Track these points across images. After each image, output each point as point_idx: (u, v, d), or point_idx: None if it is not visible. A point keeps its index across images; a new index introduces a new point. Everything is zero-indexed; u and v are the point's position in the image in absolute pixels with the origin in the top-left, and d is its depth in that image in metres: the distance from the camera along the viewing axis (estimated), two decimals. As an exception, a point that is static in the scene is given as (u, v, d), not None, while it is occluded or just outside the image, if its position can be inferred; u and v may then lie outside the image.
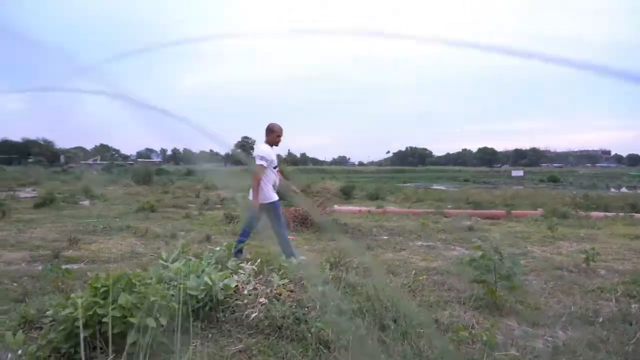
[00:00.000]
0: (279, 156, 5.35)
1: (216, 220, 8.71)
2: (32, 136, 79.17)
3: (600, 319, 3.30)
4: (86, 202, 12.33)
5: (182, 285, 2.91)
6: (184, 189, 21.38)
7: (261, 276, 3.66)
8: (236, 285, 3.38)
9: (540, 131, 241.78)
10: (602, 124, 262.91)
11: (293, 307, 3.06)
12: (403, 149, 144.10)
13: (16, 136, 79.86)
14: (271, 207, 4.84)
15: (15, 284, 4.07)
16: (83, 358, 1.74)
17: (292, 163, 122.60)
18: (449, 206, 13.18)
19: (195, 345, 2.65)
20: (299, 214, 7.71)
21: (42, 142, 77.61)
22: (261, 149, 4.89)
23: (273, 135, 4.96)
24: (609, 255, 5.68)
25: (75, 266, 4.70)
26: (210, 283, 2.91)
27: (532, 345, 2.81)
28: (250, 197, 4.83)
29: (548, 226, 7.11)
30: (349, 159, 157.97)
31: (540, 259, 5.45)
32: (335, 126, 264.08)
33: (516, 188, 32.45)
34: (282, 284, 3.49)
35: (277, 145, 5.02)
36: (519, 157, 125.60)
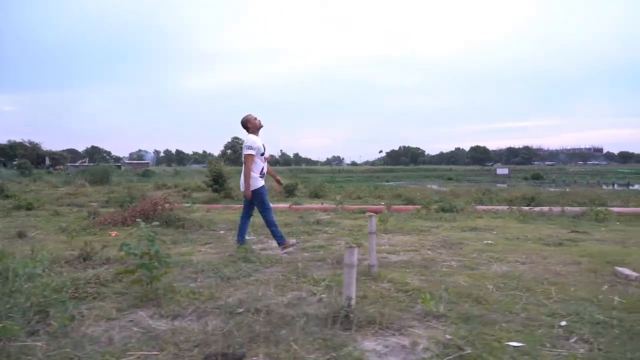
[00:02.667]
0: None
1: (77, 217, 8.54)
2: (18, 138, 79.21)
3: (241, 309, 3.13)
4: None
5: None
6: (131, 189, 21.22)
7: None
8: None
9: (535, 130, 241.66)
10: (596, 122, 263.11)
11: None
12: (396, 148, 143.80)
13: (2, 138, 79.70)
14: (257, 194, 5.13)
15: None
16: None
17: (285, 163, 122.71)
18: (384, 203, 12.99)
19: None
20: (143, 210, 7.52)
21: (27, 144, 77.49)
22: (249, 138, 5.12)
23: (252, 122, 5.21)
24: (411, 247, 5.49)
25: None
26: None
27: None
28: (242, 187, 5.13)
29: (380, 219, 6.94)
30: (343, 159, 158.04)
31: (331, 251, 5.25)
32: (334, 127, 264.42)
33: (500, 185, 32.47)
34: None
35: (261, 126, 5.29)
36: (512, 155, 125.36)
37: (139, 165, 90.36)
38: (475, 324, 2.82)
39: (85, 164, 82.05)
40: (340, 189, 20.98)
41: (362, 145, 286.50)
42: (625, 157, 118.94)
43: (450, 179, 52.42)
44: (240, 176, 5.27)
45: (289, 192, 17.61)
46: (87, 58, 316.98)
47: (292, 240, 5.47)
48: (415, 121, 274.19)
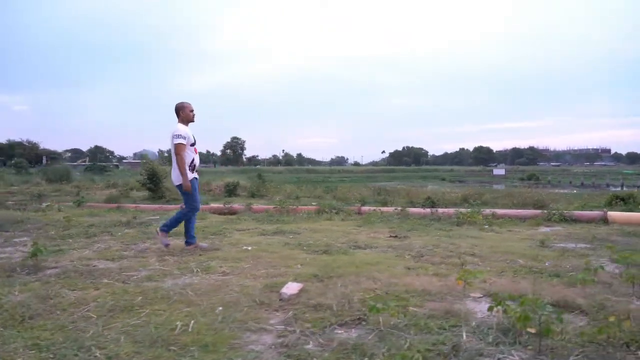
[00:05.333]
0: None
1: None
2: (24, 137, 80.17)
3: None
4: None
5: None
6: (81, 187, 20.92)
7: None
8: None
9: (542, 130, 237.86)
10: (605, 123, 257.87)
11: None
12: (400, 148, 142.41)
13: (10, 137, 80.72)
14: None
15: None
16: None
17: (287, 163, 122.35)
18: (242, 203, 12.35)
19: None
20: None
21: (26, 144, 78.25)
22: (177, 128, 4.83)
23: (185, 112, 4.92)
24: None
25: None
26: None
27: None
28: (175, 179, 4.83)
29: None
30: (347, 159, 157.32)
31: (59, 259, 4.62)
32: (341, 127, 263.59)
33: (496, 186, 31.48)
34: None
35: (192, 121, 5.00)
36: (516, 156, 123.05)
37: (139, 165, 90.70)
38: None
39: (85, 163, 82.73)
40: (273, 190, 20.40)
41: (368, 146, 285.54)
42: (633, 158, 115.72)
43: (443, 179, 51.56)
44: (172, 171, 4.92)
45: (230, 191, 17.10)
46: (92, 58, 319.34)
47: (167, 241, 4.97)
48: (421, 121, 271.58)
